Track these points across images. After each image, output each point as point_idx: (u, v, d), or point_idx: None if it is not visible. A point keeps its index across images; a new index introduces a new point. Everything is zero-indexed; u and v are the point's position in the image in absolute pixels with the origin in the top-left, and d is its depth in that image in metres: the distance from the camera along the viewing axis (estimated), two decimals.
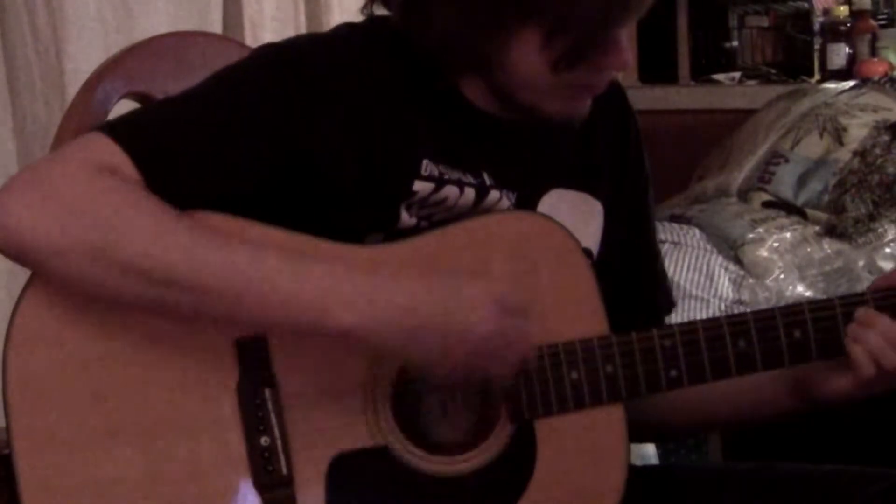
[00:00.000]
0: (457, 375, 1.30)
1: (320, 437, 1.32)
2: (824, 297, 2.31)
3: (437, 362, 1.29)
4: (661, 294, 1.57)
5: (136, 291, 1.26)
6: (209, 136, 1.32)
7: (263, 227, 1.33)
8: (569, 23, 1.32)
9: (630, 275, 1.53)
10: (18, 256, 1.27)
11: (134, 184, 1.28)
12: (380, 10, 1.44)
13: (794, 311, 1.40)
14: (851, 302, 1.41)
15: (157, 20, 2.51)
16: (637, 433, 1.44)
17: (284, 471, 1.32)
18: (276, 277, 1.26)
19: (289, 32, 2.82)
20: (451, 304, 1.28)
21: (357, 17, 1.47)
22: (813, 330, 1.40)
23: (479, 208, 1.41)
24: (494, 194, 1.41)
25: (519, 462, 1.37)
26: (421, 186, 1.37)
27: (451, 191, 1.39)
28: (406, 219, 1.38)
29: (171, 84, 1.60)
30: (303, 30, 2.87)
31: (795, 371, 1.44)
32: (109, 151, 1.29)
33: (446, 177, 1.38)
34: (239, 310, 1.27)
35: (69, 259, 1.26)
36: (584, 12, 1.31)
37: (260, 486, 1.32)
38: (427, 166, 1.38)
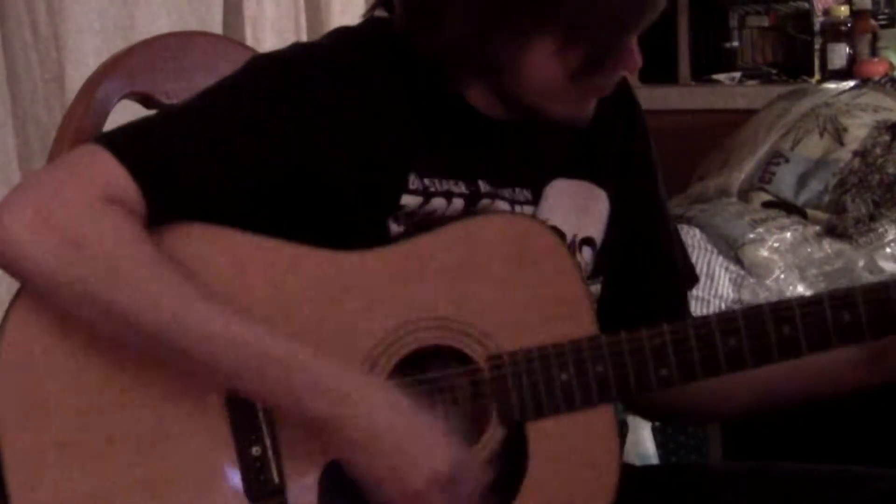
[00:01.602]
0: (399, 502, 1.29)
1: (311, 445, 1.31)
2: None
3: (384, 480, 1.28)
4: (677, 272, 1.57)
5: (121, 336, 1.28)
6: (208, 153, 1.32)
7: (258, 237, 1.33)
8: (586, 30, 1.32)
9: (646, 259, 1.53)
10: (13, 274, 1.28)
11: (134, 221, 1.28)
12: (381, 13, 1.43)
13: (783, 307, 1.40)
14: (840, 296, 1.40)
15: (157, 20, 2.51)
16: (696, 414, 1.45)
17: (276, 480, 1.32)
18: (257, 358, 1.27)
19: (289, 32, 2.82)
20: (411, 437, 1.27)
21: (357, 18, 1.47)
22: (802, 325, 1.39)
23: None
24: (485, 202, 1.41)
25: (511, 465, 1.37)
26: (409, 200, 1.37)
27: (438, 203, 1.38)
28: (395, 229, 1.37)
29: (171, 84, 1.60)
30: (303, 30, 2.86)
31: (872, 347, 1.43)
32: (113, 172, 1.29)
33: (432, 189, 1.38)
34: (221, 378, 1.29)
35: (62, 294, 1.27)
36: (600, 18, 1.31)
37: (252, 496, 1.31)
38: (414, 181, 1.37)
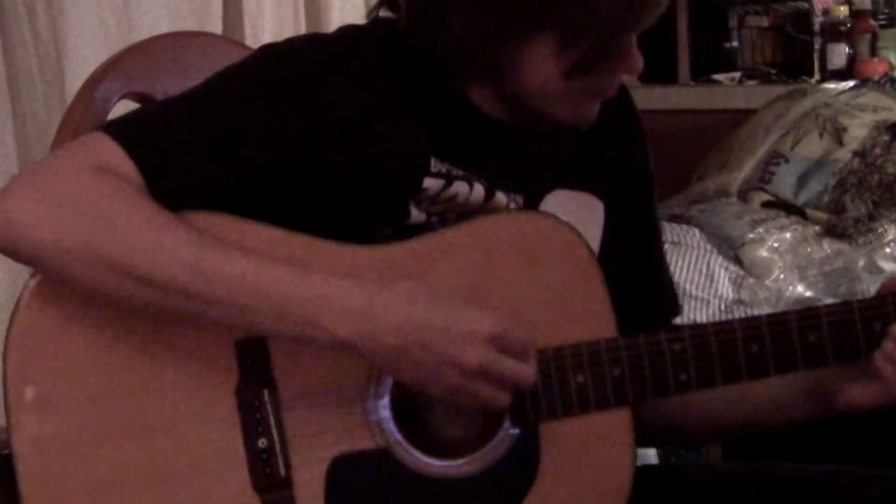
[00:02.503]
0: (448, 396, 1.30)
1: (319, 438, 1.32)
2: (824, 297, 2.32)
3: (426, 382, 1.29)
4: (664, 296, 1.56)
5: (134, 296, 1.27)
6: (210, 136, 1.32)
7: (266, 227, 1.33)
8: (584, 30, 1.32)
9: (633, 275, 1.52)
10: (17, 254, 1.28)
11: (134, 186, 1.28)
12: (386, 13, 1.43)
13: (810, 315, 1.38)
14: (870, 306, 1.38)
15: (157, 20, 2.51)
16: (645, 438, 1.43)
17: (283, 472, 1.32)
18: (274, 287, 1.27)
19: (289, 32, 2.82)
20: (446, 329, 1.27)
21: (357, 18, 1.47)
22: (828, 334, 1.37)
23: (489, 205, 1.40)
24: (500, 195, 1.41)
25: (522, 466, 1.36)
26: (430, 183, 1.37)
27: (461, 187, 1.38)
28: (416, 214, 1.37)
29: (171, 84, 1.60)
30: (303, 30, 2.87)
31: (815, 379, 1.43)
32: (110, 151, 1.29)
33: (454, 173, 1.38)
34: (235, 317, 1.28)
35: (68, 261, 1.26)
36: (599, 20, 1.31)
37: (258, 488, 1.32)
38: (436, 164, 1.37)
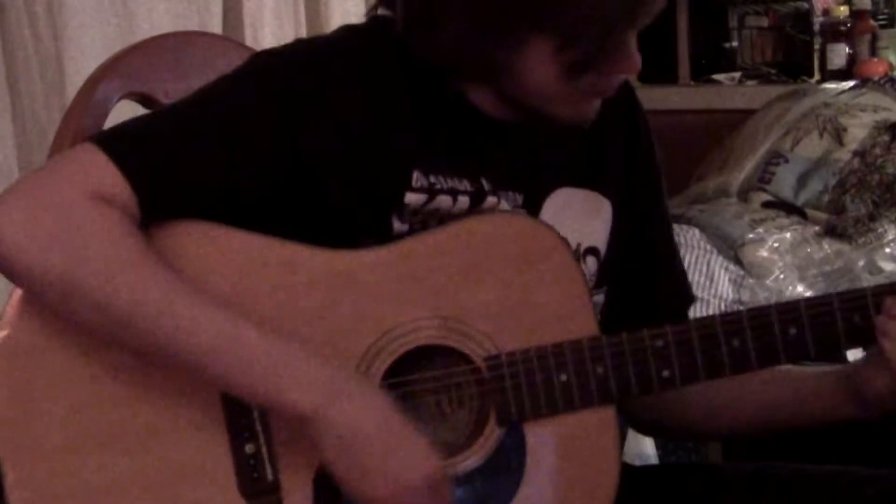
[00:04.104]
0: None
1: (307, 443, 1.31)
2: None
3: (356, 484, 1.27)
4: (679, 287, 1.56)
5: (112, 335, 1.28)
6: (206, 153, 1.32)
7: (250, 235, 1.33)
8: (581, 30, 1.31)
9: (645, 270, 1.52)
10: (6, 275, 1.28)
11: (128, 219, 1.28)
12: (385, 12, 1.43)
13: (790, 309, 1.39)
14: (849, 298, 1.39)
15: (157, 20, 2.51)
16: (652, 429, 1.42)
17: (270, 478, 1.32)
18: (245, 347, 1.26)
19: (288, 32, 2.82)
20: (396, 440, 1.27)
21: (358, 18, 1.47)
22: (809, 327, 1.38)
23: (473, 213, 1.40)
24: (491, 200, 1.40)
25: (508, 466, 1.36)
26: (412, 198, 1.37)
27: (443, 200, 1.38)
28: (398, 226, 1.37)
29: (171, 84, 1.60)
30: (303, 29, 2.87)
31: (845, 373, 1.42)
32: (104, 171, 1.29)
33: (438, 187, 1.38)
34: (209, 374, 1.28)
35: (48, 291, 1.27)
36: (596, 19, 1.31)
37: (246, 494, 1.32)
38: (418, 178, 1.37)
